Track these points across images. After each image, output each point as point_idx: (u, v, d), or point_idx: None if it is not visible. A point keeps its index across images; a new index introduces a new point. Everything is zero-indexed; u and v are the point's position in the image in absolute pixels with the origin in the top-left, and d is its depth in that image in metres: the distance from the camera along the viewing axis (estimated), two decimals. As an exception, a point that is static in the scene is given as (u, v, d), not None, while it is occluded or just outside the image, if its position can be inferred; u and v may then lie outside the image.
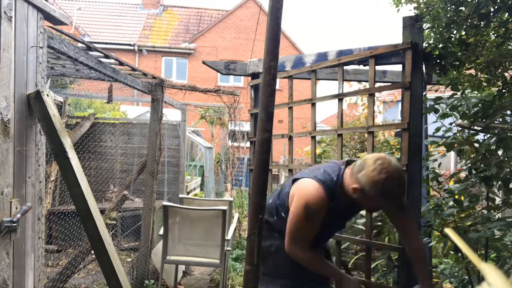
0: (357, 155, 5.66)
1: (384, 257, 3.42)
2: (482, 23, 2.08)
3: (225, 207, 3.48)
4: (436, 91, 2.88)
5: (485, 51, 2.26)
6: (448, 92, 2.45)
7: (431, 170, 2.62)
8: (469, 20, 2.08)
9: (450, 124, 2.46)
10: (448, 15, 2.09)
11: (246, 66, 3.36)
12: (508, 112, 2.35)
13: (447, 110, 2.42)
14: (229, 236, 3.88)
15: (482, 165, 2.23)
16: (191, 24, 19.50)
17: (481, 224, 2.24)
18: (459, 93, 2.38)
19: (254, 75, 3.32)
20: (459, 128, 2.50)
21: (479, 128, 2.46)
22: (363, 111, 6.00)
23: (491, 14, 1.99)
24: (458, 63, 2.38)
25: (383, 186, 1.63)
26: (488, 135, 2.40)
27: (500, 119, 2.34)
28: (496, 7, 1.94)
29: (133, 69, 3.64)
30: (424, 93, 2.49)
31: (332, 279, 2.06)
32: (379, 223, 3.26)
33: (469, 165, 2.37)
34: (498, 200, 2.61)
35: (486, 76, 2.36)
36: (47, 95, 1.86)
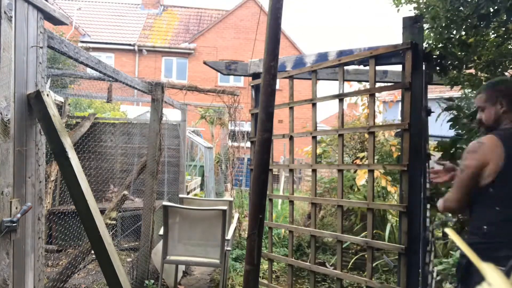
0: (357, 155, 5.66)
1: (384, 257, 3.43)
2: (482, 23, 2.08)
3: (225, 207, 3.48)
4: (440, 92, 2.88)
5: (485, 51, 2.26)
6: (449, 92, 2.45)
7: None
8: (469, 21, 2.08)
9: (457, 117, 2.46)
10: (448, 15, 2.09)
11: (247, 66, 3.36)
12: None
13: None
14: (229, 236, 3.88)
15: None
16: (191, 24, 19.51)
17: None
18: (458, 93, 2.38)
19: (255, 75, 3.32)
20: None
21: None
22: (363, 111, 6.00)
23: (491, 15, 1.99)
24: (457, 63, 2.38)
25: None
26: None
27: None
28: (495, 7, 1.94)
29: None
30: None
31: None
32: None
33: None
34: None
35: (486, 75, 2.36)
36: (47, 95, 1.86)
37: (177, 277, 4.02)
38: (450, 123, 2.49)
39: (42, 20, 1.92)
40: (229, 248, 3.86)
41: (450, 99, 2.57)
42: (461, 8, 2.07)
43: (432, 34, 2.36)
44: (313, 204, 2.92)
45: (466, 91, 2.70)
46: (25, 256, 1.83)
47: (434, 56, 2.48)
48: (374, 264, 3.62)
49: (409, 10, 2.36)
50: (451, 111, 2.53)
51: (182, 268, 4.51)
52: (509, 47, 2.31)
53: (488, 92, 1.91)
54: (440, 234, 3.52)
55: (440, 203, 1.97)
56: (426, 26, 2.34)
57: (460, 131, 2.44)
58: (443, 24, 2.16)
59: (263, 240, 2.89)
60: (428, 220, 2.54)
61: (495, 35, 2.25)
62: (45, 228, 4.84)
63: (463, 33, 2.27)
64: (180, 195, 4.60)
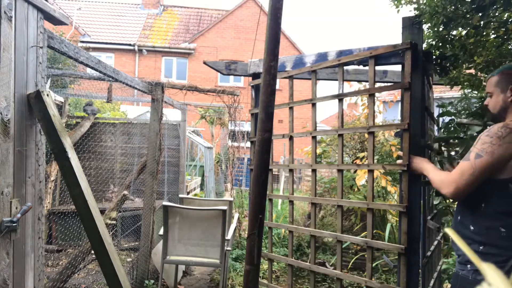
0: (357, 155, 5.66)
1: (384, 257, 3.42)
2: (481, 23, 2.09)
3: (225, 207, 3.48)
4: (440, 92, 2.89)
5: (485, 52, 2.26)
6: (450, 92, 2.46)
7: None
8: (467, 15, 2.08)
9: (451, 121, 2.47)
10: (446, 11, 2.09)
11: (247, 66, 3.36)
12: None
13: (451, 110, 2.44)
14: (229, 236, 3.88)
15: None
16: (191, 24, 19.52)
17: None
18: (458, 93, 2.39)
19: (255, 75, 3.32)
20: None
21: (479, 128, 2.47)
22: (363, 111, 6.00)
23: (488, 7, 1.99)
24: (455, 62, 2.39)
25: None
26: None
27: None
28: None
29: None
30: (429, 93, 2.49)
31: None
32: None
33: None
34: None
35: (486, 75, 2.37)
36: (47, 95, 1.86)
37: (177, 277, 4.02)
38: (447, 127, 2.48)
39: (42, 20, 1.92)
40: (229, 248, 3.86)
41: (442, 105, 2.57)
42: (459, 4, 2.07)
43: (431, 33, 2.37)
44: (313, 204, 2.92)
45: (466, 91, 2.70)
46: (25, 256, 1.83)
47: (434, 56, 2.48)
48: (374, 264, 3.62)
49: (409, 11, 2.36)
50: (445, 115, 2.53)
51: (182, 268, 4.51)
52: (509, 47, 2.31)
53: (501, 75, 1.68)
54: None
55: (435, 179, 1.76)
56: (425, 26, 2.35)
57: (452, 139, 2.43)
58: (442, 22, 2.16)
59: (263, 240, 2.89)
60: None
61: (495, 35, 2.26)
62: (45, 228, 4.84)
63: (463, 33, 2.27)
64: (180, 195, 4.61)
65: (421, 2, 2.29)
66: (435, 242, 3.03)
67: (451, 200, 2.52)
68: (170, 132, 6.12)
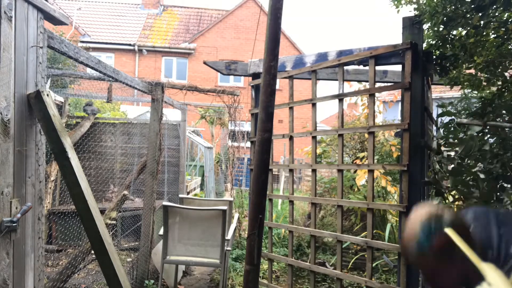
0: (357, 155, 5.67)
1: (384, 257, 3.43)
2: (481, 22, 2.09)
3: (225, 207, 3.48)
4: (440, 92, 2.89)
5: (484, 51, 2.26)
6: (450, 92, 2.46)
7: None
8: (467, 15, 2.08)
9: (451, 121, 2.46)
10: (446, 11, 2.09)
11: (247, 66, 3.36)
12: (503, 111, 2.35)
13: (451, 110, 2.44)
14: (229, 236, 3.88)
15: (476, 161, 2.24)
16: (191, 24, 19.52)
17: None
18: (458, 93, 2.39)
19: (255, 75, 3.32)
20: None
21: (479, 128, 2.47)
22: (363, 111, 6.00)
23: (488, 7, 1.99)
24: (455, 62, 2.39)
25: None
26: (484, 133, 2.40)
27: (499, 119, 2.35)
28: None
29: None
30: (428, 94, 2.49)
31: None
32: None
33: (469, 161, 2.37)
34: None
35: (486, 75, 2.37)
36: (47, 95, 1.86)
37: (177, 277, 4.02)
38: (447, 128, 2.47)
39: (42, 20, 1.92)
40: (229, 248, 3.86)
41: (442, 105, 2.57)
42: (459, 4, 2.07)
43: (431, 32, 2.36)
44: (313, 204, 2.92)
45: (466, 91, 2.70)
46: (25, 256, 1.83)
47: (434, 56, 2.48)
48: (374, 264, 3.62)
49: (409, 11, 2.36)
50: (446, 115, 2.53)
51: (182, 268, 4.51)
52: (509, 47, 2.31)
53: None
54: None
55: None
56: (425, 26, 2.35)
57: (451, 139, 2.42)
58: (442, 21, 2.16)
59: (263, 240, 2.89)
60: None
61: (495, 35, 2.25)
62: (45, 228, 4.84)
63: (463, 33, 2.27)
64: (180, 195, 4.60)
65: (421, 2, 2.29)
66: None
67: (451, 200, 2.52)
68: (170, 132, 6.12)
